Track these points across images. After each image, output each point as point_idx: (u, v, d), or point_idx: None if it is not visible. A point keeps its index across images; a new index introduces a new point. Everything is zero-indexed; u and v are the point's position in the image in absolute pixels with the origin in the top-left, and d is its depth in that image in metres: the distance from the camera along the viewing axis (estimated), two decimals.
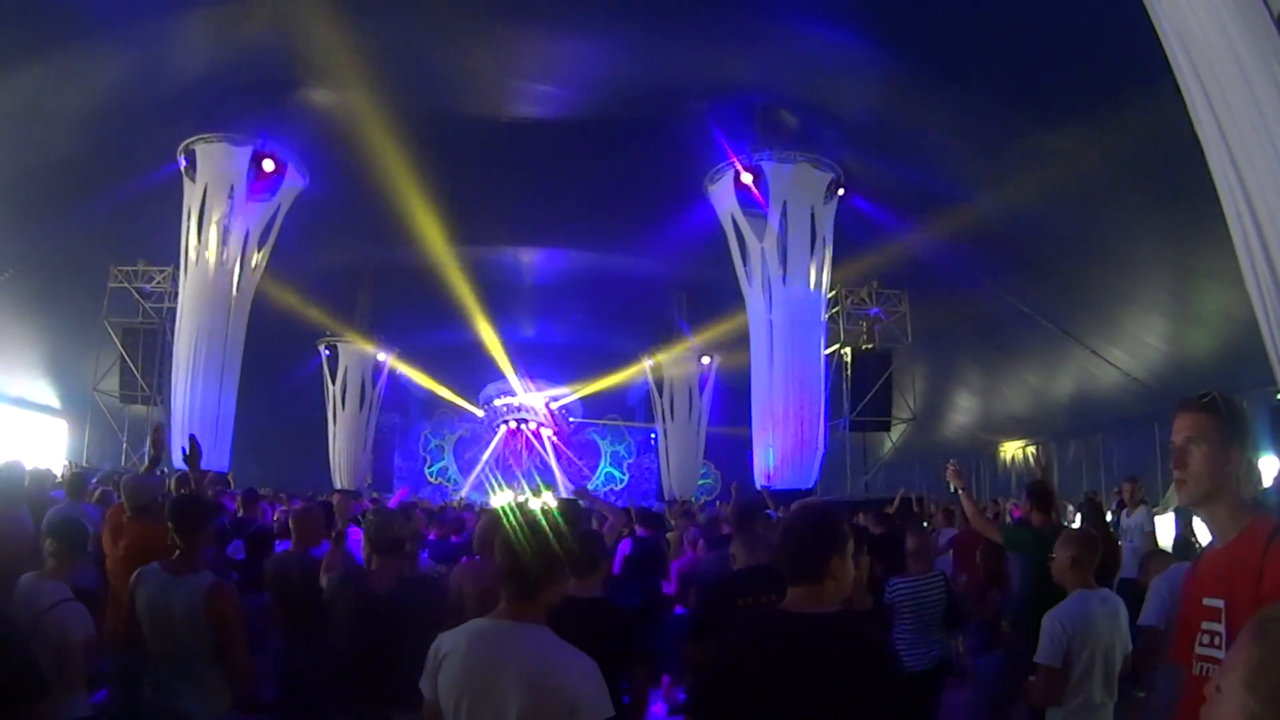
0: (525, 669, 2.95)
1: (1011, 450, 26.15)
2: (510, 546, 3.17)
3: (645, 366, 32.82)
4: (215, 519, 6.29)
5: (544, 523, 3.24)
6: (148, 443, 7.98)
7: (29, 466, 7.28)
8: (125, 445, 23.60)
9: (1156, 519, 11.50)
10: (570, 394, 37.23)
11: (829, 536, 3.08)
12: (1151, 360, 19.27)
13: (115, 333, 24.26)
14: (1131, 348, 19.53)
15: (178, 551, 4.69)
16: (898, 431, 26.65)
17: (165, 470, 9.61)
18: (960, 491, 7.61)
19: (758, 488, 20.25)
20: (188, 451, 7.07)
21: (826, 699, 2.84)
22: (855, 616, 3.51)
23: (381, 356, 31.37)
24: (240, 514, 10.08)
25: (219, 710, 4.59)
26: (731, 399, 29.88)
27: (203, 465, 7.62)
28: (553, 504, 7.84)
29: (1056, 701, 4.81)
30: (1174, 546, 11.28)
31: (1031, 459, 7.20)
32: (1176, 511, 12.07)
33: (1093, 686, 4.80)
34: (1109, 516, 12.27)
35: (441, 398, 36.14)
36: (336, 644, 5.12)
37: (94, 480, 12.03)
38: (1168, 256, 16.89)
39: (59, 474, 12.41)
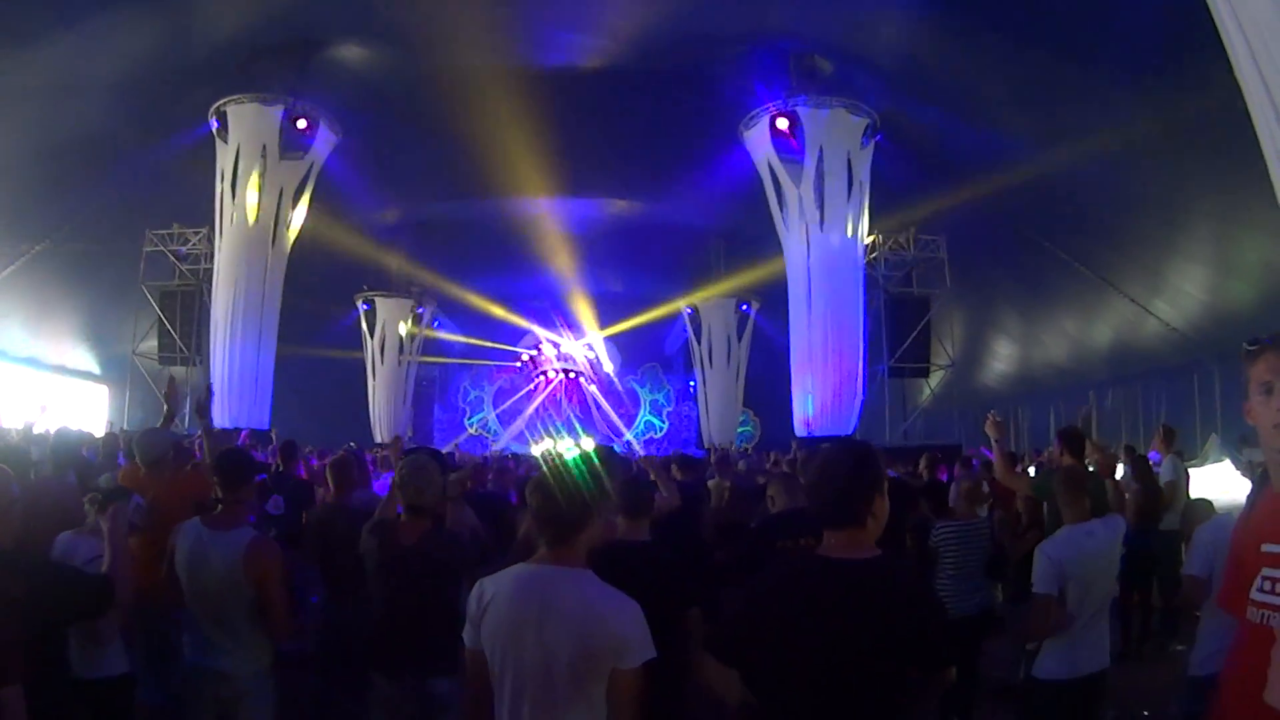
0: (571, 613, 2.96)
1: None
2: (542, 491, 3.17)
3: (683, 313, 32.75)
4: (259, 474, 6.15)
5: (576, 467, 3.23)
6: (189, 402, 7.91)
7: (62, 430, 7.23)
8: (165, 407, 23.74)
9: (1193, 470, 11.41)
10: (607, 343, 37.14)
11: (871, 476, 2.98)
12: (1191, 310, 19.04)
13: (153, 296, 24.54)
14: (1171, 297, 19.30)
15: (219, 506, 4.67)
16: (936, 378, 26.49)
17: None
18: (995, 444, 7.52)
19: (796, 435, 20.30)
20: (200, 401, 7.06)
21: (868, 646, 2.78)
22: (896, 561, 3.43)
23: (419, 310, 31.45)
24: (280, 468, 9.92)
25: (258, 669, 4.55)
26: (771, 346, 29.79)
27: (244, 422, 7.67)
28: (589, 449, 7.79)
29: (1053, 629, 4.97)
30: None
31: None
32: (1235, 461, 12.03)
33: (1085, 614, 4.99)
34: None
35: (480, 349, 36.22)
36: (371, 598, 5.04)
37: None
38: (1209, 207, 16.64)
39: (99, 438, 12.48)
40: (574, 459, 3.30)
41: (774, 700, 2.89)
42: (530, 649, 2.97)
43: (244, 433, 16.07)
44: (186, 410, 15.54)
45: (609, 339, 36.68)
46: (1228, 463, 14.22)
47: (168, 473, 6.05)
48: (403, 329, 31.18)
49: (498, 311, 33.84)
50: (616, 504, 4.89)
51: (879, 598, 2.84)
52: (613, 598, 3.04)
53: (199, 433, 7.22)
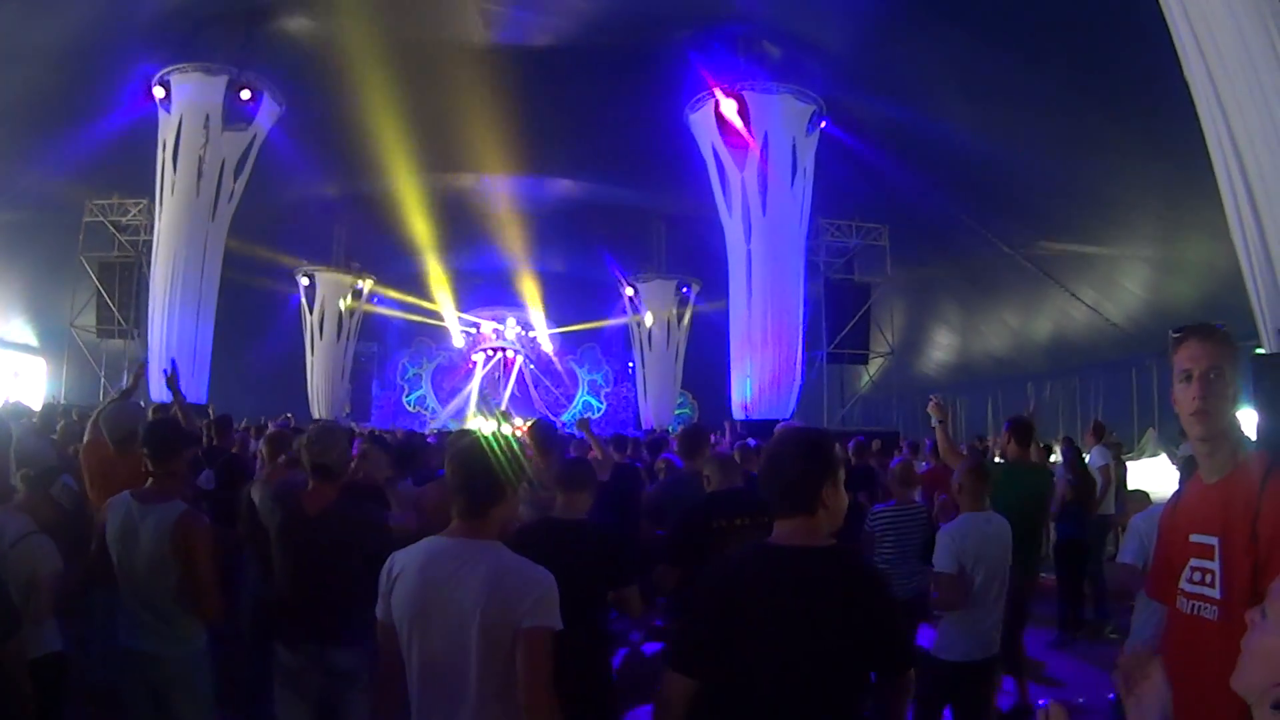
0: (479, 583, 2.93)
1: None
2: (459, 462, 3.17)
3: (624, 295, 32.77)
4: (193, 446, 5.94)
5: (494, 443, 3.20)
6: (128, 377, 7.69)
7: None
8: (103, 381, 23.52)
9: (1130, 464, 11.67)
10: (547, 322, 37.12)
11: (820, 463, 2.85)
12: (1132, 307, 19.39)
13: (91, 267, 24.13)
14: (1112, 293, 19.65)
15: (150, 479, 4.51)
16: (875, 365, 26.75)
17: (144, 402, 9.38)
18: (937, 424, 7.55)
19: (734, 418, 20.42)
20: (169, 374, 6.92)
21: (826, 637, 2.67)
22: (850, 550, 3.38)
23: (359, 285, 31.21)
24: (214, 442, 9.68)
25: (189, 652, 4.42)
26: (710, 329, 29.89)
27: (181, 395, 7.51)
28: (521, 428, 7.77)
29: (959, 604, 5.28)
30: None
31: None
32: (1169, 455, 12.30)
33: (985, 595, 5.33)
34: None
35: (419, 327, 36.02)
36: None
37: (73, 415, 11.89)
38: (1153, 205, 16.93)
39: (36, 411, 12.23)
40: (495, 435, 3.29)
41: (732, 704, 2.75)
42: (439, 620, 2.96)
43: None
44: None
45: (550, 317, 36.67)
46: (1164, 457, 14.55)
47: (139, 450, 5.96)
48: (342, 305, 30.88)
49: (439, 289, 33.64)
50: (554, 480, 4.88)
51: (833, 589, 2.74)
52: (523, 565, 3.03)
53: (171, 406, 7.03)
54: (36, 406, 12.72)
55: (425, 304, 34.30)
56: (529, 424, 7.31)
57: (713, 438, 14.09)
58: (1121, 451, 11.77)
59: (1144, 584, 5.17)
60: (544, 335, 37.34)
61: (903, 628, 3.06)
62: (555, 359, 37.99)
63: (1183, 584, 2.48)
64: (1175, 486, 11.02)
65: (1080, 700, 7.44)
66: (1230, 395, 2.51)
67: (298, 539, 4.61)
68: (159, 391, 17.91)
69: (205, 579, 4.35)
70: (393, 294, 33.52)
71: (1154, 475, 12.59)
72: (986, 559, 5.33)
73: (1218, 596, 2.37)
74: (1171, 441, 14.44)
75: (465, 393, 36.82)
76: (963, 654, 5.29)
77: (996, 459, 9.72)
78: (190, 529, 4.34)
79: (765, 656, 2.69)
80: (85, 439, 6.76)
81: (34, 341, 25.87)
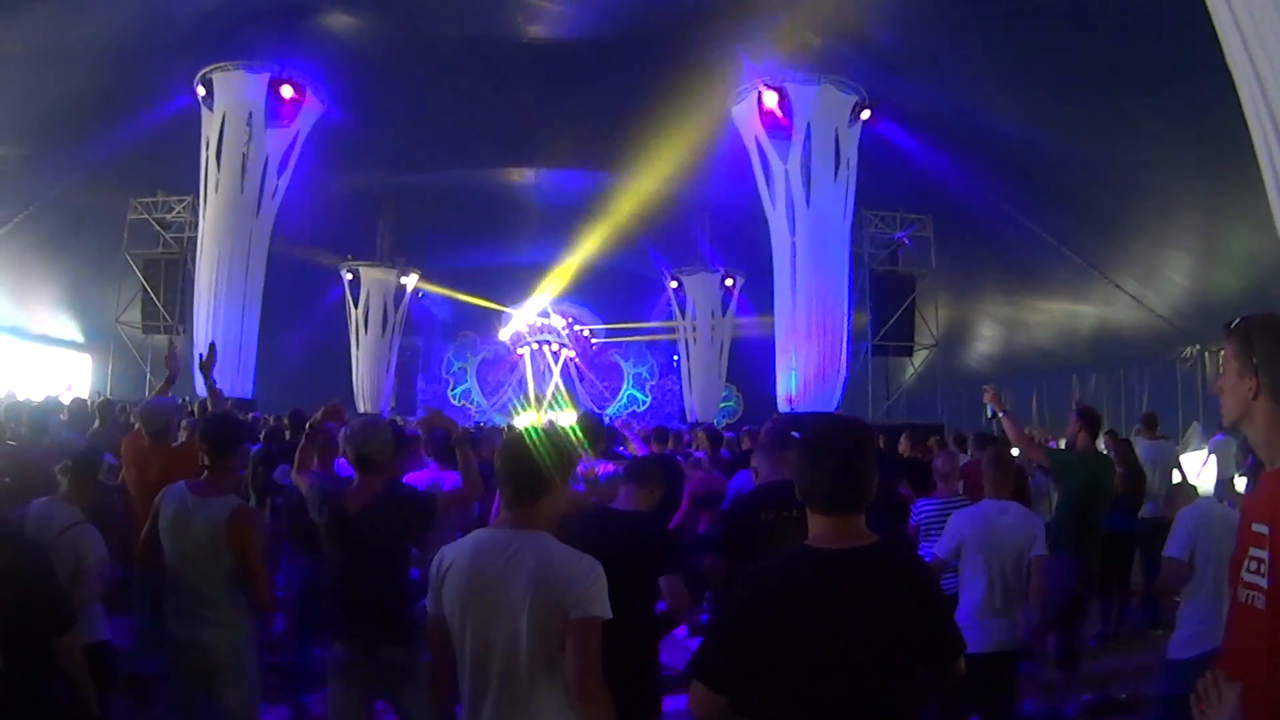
0: (528, 573, 2.96)
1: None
2: (508, 453, 3.21)
3: (668, 288, 32.71)
4: (248, 441, 6.01)
5: (542, 435, 3.24)
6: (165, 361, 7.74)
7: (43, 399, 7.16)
8: (149, 376, 23.81)
9: (1180, 456, 11.53)
10: (592, 317, 37.19)
11: (873, 458, 2.75)
12: (1176, 298, 19.15)
13: (136, 264, 24.43)
14: (1157, 285, 19.41)
15: (205, 471, 4.64)
16: (920, 357, 26.55)
17: (186, 398, 9.48)
18: (1001, 415, 7.32)
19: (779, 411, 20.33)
20: (204, 358, 7.00)
21: (876, 646, 2.58)
22: (895, 545, 3.27)
23: (404, 280, 31.36)
24: (289, 437, 9.81)
25: (235, 642, 4.52)
26: (755, 321, 29.79)
27: (227, 393, 7.58)
28: (570, 422, 7.76)
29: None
30: (1217, 484, 11.39)
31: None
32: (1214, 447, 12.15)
33: (997, 590, 5.37)
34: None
35: (464, 321, 36.19)
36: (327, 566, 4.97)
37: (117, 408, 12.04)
38: (1197, 195, 16.71)
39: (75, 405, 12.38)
40: (548, 427, 3.29)
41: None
42: (489, 611, 2.99)
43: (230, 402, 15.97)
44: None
45: (594, 311, 36.72)
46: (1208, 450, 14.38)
47: (173, 443, 6.01)
48: (387, 300, 31.03)
49: (484, 283, 33.74)
50: (624, 473, 4.97)
51: (882, 589, 2.64)
52: (572, 555, 3.05)
53: (204, 396, 7.12)
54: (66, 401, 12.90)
55: (469, 299, 34.43)
56: (577, 416, 7.32)
57: (687, 436, 14.00)
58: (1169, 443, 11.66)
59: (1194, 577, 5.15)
60: (587, 329, 37.41)
61: (951, 619, 2.98)
62: (597, 352, 38.03)
63: (1242, 573, 2.41)
64: (1215, 477, 10.92)
65: (1123, 696, 7.34)
66: (1231, 386, 2.49)
67: (345, 535, 4.65)
68: (202, 385, 18.05)
69: (258, 570, 4.53)
70: (436, 289, 33.61)
71: (1197, 468, 12.38)
72: (995, 547, 5.42)
73: (1265, 585, 2.30)
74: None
75: (509, 386, 36.97)
76: (979, 645, 5.15)
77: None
78: (244, 523, 4.50)
79: (814, 672, 2.58)
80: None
81: (79, 338, 26.22)
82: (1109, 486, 7.46)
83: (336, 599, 4.71)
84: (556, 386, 36.93)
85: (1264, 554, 2.33)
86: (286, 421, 10.16)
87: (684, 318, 32.46)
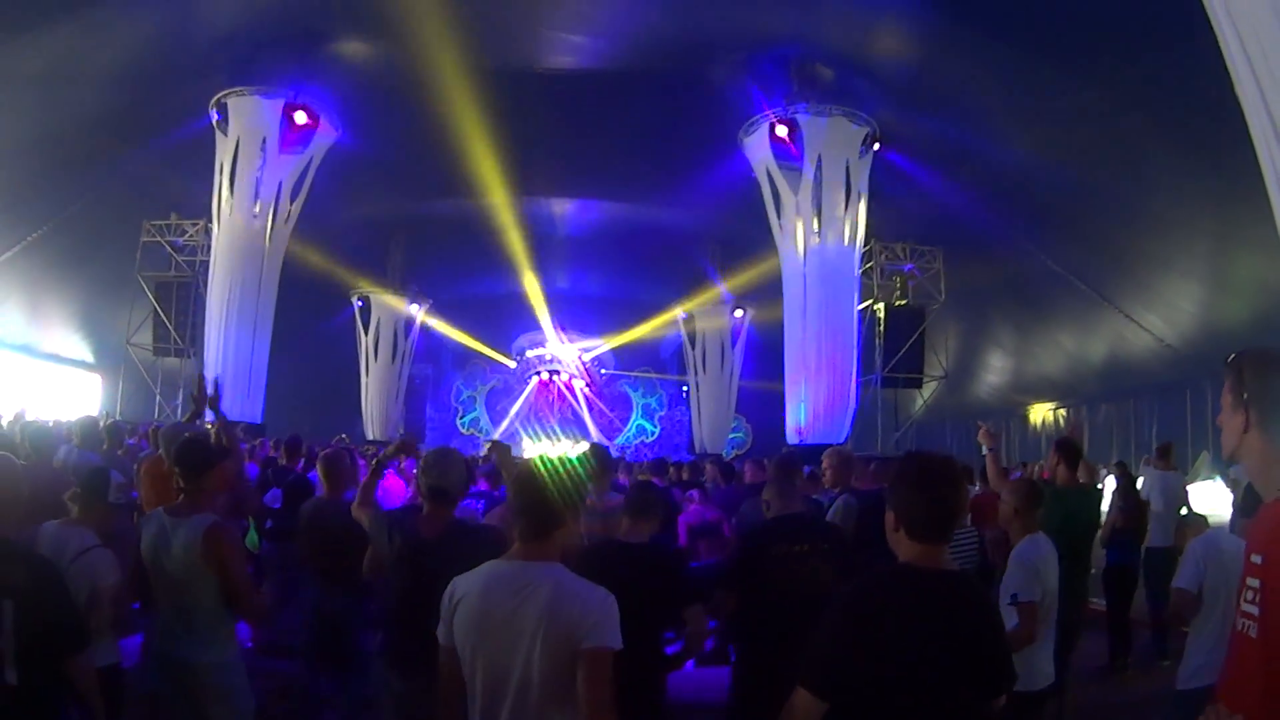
0: (541, 603, 2.95)
1: (1041, 413, 26.05)
2: (523, 485, 3.20)
3: (678, 318, 32.72)
4: (221, 462, 6.01)
5: (554, 466, 3.23)
6: (183, 396, 7.83)
7: (54, 421, 7.21)
8: (158, 398, 23.91)
9: (1188, 487, 11.48)
10: (602, 345, 37.18)
11: (965, 487, 2.94)
12: (1185, 327, 19.08)
13: (148, 286, 24.58)
14: (1166, 313, 19.34)
15: (182, 494, 4.66)
16: (929, 390, 26.54)
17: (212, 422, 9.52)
18: (988, 452, 7.48)
19: (789, 443, 20.29)
20: (211, 395, 7.05)
21: (959, 660, 2.76)
22: (966, 573, 3.38)
23: (414, 308, 31.44)
24: (283, 462, 9.90)
25: (220, 658, 4.53)
26: (764, 352, 29.78)
27: (236, 416, 7.63)
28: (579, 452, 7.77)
29: (1037, 635, 5.05)
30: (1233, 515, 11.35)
31: (1062, 421, 7.10)
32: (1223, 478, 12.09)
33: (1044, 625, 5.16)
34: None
35: (473, 349, 36.23)
36: (384, 592, 5.00)
37: (128, 430, 12.09)
38: (1206, 223, 16.67)
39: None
40: (559, 459, 3.29)
41: None
42: (502, 642, 2.98)
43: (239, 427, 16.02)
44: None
45: (603, 342, 36.77)
46: (1219, 480, 14.28)
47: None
48: (397, 326, 31.12)
49: (494, 310, 33.83)
50: (624, 505, 5.00)
51: (965, 610, 2.86)
52: (584, 586, 3.04)
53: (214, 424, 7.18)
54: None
55: (482, 324, 34.52)
56: (587, 448, 7.33)
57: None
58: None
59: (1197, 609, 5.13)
60: (597, 358, 37.43)
61: (1010, 652, 3.06)
62: (606, 383, 38.03)
63: (1241, 602, 2.45)
64: (1229, 509, 10.86)
65: None
66: (1228, 420, 2.56)
67: (417, 562, 4.64)
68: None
69: (240, 582, 4.54)
70: (446, 318, 33.70)
71: (1208, 498, 12.33)
72: (1045, 583, 5.21)
73: (1256, 614, 2.34)
74: (1224, 464, 14.21)
75: (517, 414, 36.98)
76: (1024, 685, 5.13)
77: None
78: (218, 538, 4.49)
79: (903, 679, 2.73)
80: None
81: (90, 358, 26.33)
82: (1090, 519, 7.41)
83: (399, 628, 4.73)
84: (564, 417, 36.96)
85: (1258, 583, 2.37)
86: (283, 451, 10.23)
87: (694, 349, 32.40)
